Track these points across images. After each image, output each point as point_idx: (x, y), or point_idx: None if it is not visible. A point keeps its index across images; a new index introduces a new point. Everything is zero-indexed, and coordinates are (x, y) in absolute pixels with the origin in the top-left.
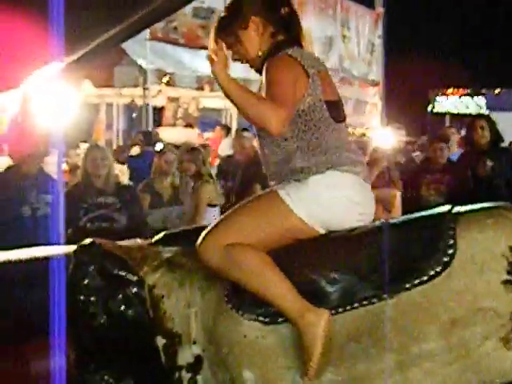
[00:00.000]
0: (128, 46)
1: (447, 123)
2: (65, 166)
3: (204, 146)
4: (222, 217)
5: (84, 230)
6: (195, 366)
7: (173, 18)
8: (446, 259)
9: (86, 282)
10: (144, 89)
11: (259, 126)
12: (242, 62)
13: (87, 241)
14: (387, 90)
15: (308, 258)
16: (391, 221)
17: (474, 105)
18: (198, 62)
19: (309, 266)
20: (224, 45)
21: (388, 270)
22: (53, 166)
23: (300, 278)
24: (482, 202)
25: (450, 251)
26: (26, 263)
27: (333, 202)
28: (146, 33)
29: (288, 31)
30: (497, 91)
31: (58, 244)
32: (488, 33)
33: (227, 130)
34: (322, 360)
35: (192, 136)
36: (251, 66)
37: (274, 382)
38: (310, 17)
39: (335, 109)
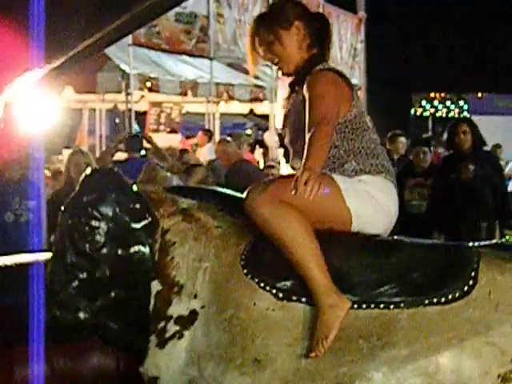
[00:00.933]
0: (111, 51)
1: (430, 127)
2: (47, 172)
3: (184, 151)
4: (280, 176)
5: None
6: (187, 320)
7: (155, 23)
8: (466, 288)
9: (101, 207)
10: (127, 94)
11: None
12: (272, 62)
13: (109, 168)
14: (370, 95)
15: (342, 249)
16: (420, 240)
17: (457, 108)
18: (181, 67)
19: (341, 256)
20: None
21: (412, 282)
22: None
23: (331, 264)
24: (465, 205)
25: (471, 282)
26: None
27: (380, 205)
28: (129, 38)
29: (321, 46)
30: (479, 95)
31: (41, 250)
32: (470, 37)
33: (210, 135)
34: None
35: (175, 141)
36: (279, 68)
37: (273, 355)
38: None
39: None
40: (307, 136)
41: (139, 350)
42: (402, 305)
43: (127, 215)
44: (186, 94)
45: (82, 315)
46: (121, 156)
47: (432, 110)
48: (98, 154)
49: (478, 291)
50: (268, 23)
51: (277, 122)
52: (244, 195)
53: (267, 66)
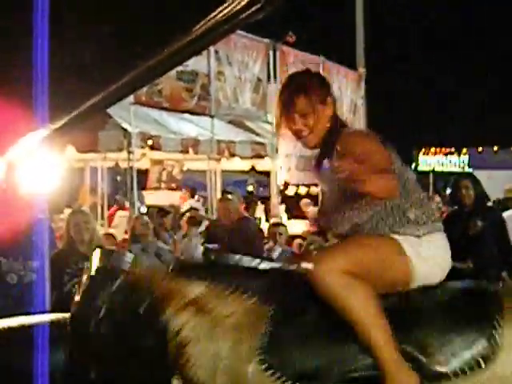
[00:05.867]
0: (112, 109)
1: (431, 181)
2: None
3: (173, 207)
4: (342, 243)
5: (69, 295)
6: None
7: (157, 82)
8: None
9: (106, 307)
10: (128, 152)
11: (382, 198)
12: (298, 138)
13: (118, 261)
14: None
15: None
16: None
17: (458, 163)
18: (182, 125)
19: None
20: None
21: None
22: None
23: None
24: (472, 258)
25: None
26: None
27: (439, 265)
28: (130, 97)
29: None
30: (480, 149)
31: (44, 311)
32: (470, 92)
33: (192, 191)
34: None
35: (176, 198)
36: (305, 142)
37: None
38: (291, 70)
39: None
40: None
41: None
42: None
43: (138, 319)
44: (187, 152)
45: None
46: None
47: (433, 165)
48: (99, 212)
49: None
50: (308, 96)
51: (278, 178)
52: (309, 264)
53: (267, 122)
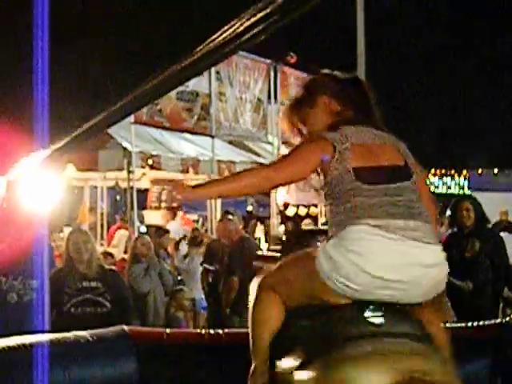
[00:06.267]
0: (112, 129)
1: None
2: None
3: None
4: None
5: (68, 314)
6: None
7: (157, 101)
8: None
9: None
10: (128, 172)
11: (256, 191)
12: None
13: None
14: None
15: None
16: None
17: (456, 185)
18: (183, 145)
19: None
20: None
21: None
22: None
23: None
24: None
25: None
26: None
27: (339, 261)
28: (131, 116)
29: (358, 108)
30: (479, 171)
31: (43, 330)
32: (468, 114)
33: (174, 213)
34: None
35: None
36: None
37: None
38: (292, 90)
39: (372, 173)
40: None
41: None
42: None
43: None
44: (187, 172)
45: None
46: None
47: (432, 187)
48: (99, 232)
49: None
50: (296, 106)
51: (277, 198)
52: None
53: (268, 143)
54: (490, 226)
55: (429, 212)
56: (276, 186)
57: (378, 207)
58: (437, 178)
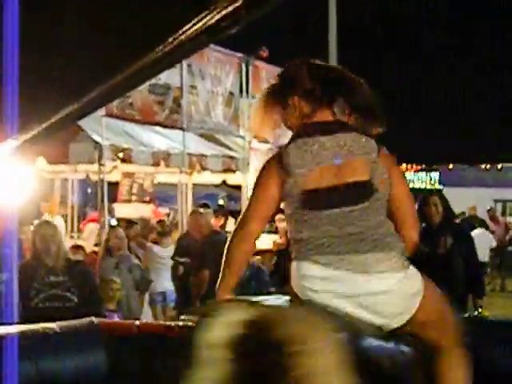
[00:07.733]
0: (83, 122)
1: None
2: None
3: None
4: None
5: (36, 309)
6: None
7: (128, 94)
8: None
9: None
10: (99, 165)
11: (248, 246)
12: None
13: None
14: None
15: None
16: None
17: (428, 180)
18: (154, 138)
19: None
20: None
21: None
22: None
23: None
24: (439, 279)
25: None
26: None
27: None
28: (102, 109)
29: (330, 108)
30: (450, 166)
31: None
32: (441, 109)
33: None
34: None
35: (147, 211)
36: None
37: None
38: (263, 84)
39: (318, 197)
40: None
41: None
42: None
43: None
44: (158, 165)
45: None
46: None
47: (410, 184)
48: (69, 224)
49: None
50: (270, 102)
51: (249, 192)
52: None
53: (239, 137)
54: (457, 221)
55: (404, 223)
56: (257, 228)
57: (326, 247)
58: (409, 173)
